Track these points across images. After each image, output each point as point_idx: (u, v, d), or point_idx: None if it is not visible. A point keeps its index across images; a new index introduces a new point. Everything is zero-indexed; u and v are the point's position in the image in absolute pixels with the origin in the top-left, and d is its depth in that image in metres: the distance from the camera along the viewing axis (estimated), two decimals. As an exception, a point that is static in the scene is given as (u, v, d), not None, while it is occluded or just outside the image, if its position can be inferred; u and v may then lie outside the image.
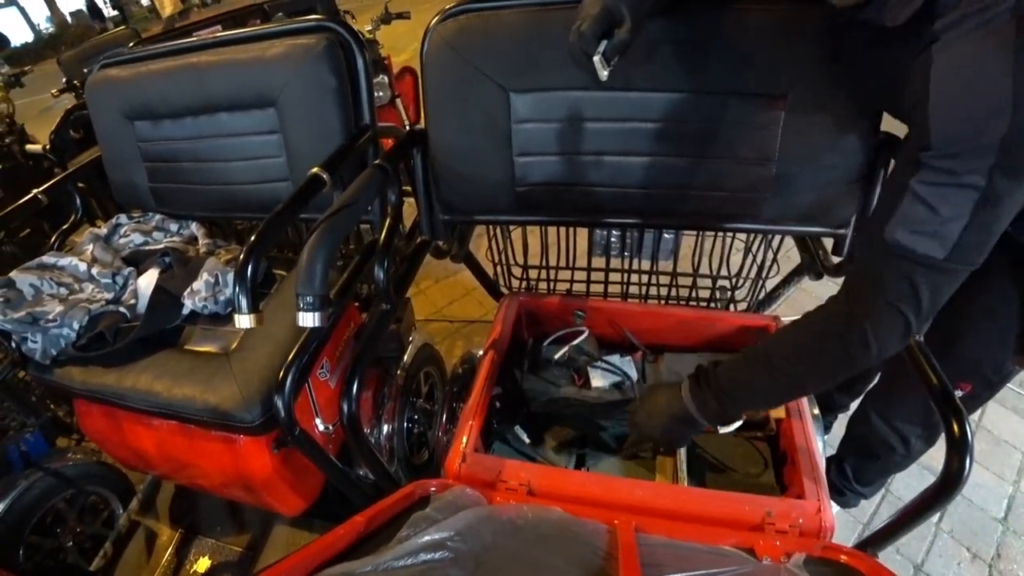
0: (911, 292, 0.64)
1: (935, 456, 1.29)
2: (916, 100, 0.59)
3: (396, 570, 0.48)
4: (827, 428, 1.68)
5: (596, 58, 0.70)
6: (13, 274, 1.17)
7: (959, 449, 0.70)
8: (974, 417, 1.72)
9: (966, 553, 1.45)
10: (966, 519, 1.52)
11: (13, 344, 1.13)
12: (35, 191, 1.33)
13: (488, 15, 0.98)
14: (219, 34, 1.24)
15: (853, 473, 1.41)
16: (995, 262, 0.80)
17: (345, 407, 0.85)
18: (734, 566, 0.68)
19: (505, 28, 0.97)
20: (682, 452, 0.96)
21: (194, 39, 1.30)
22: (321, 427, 1.15)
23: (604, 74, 0.71)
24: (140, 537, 1.40)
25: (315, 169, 0.95)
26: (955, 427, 0.71)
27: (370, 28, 2.57)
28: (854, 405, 1.54)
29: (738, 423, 0.87)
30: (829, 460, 1.46)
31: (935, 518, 1.53)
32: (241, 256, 0.77)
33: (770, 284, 1.31)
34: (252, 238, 0.80)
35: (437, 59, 1.00)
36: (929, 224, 0.60)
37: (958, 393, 1.00)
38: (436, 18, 1.01)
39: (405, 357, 1.44)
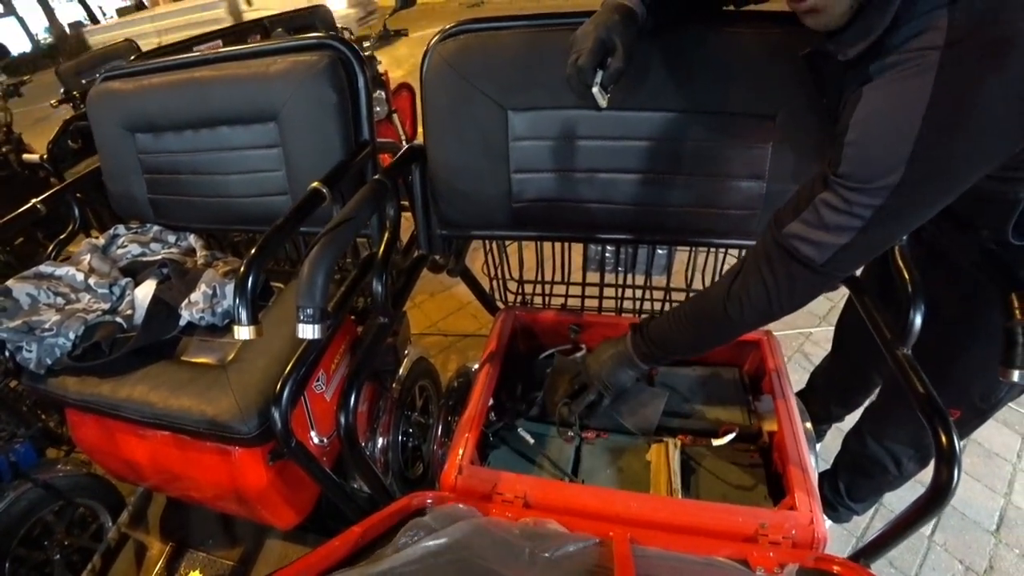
0: (787, 284, 0.75)
1: (928, 470, 1.30)
2: (841, 129, 0.66)
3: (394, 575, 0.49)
4: (820, 436, 1.69)
5: (595, 89, 0.74)
6: (10, 283, 1.17)
7: (947, 460, 0.71)
8: (964, 430, 1.75)
9: (959, 566, 1.46)
10: (959, 531, 1.52)
11: (7, 353, 1.13)
12: (34, 201, 1.33)
13: (487, 35, 1.01)
14: (222, 49, 1.26)
15: (846, 489, 1.42)
16: (989, 292, 0.83)
17: (342, 419, 0.86)
18: (728, 577, 0.69)
19: (503, 48, 1.00)
20: (676, 464, 0.97)
21: (197, 54, 1.32)
22: (316, 440, 1.15)
23: (603, 102, 0.75)
24: (130, 550, 1.38)
25: (315, 184, 0.97)
26: (943, 438, 0.72)
27: (368, 44, 2.61)
28: (850, 417, 1.55)
29: (729, 437, 0.93)
30: (822, 475, 1.47)
31: (928, 531, 1.54)
32: (241, 268, 0.78)
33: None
34: (253, 251, 0.81)
35: (437, 77, 1.02)
36: (817, 234, 0.69)
37: None
38: (436, 37, 1.04)
39: (400, 370, 1.44)
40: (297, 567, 0.54)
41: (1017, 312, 0.71)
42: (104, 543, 1.42)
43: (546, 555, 0.62)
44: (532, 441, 1.07)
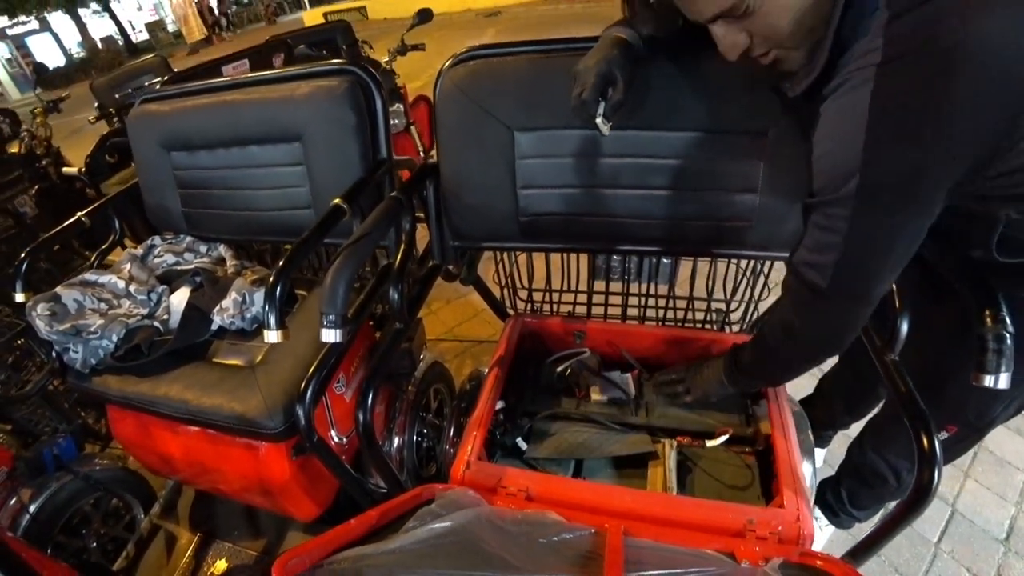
0: (805, 314, 0.79)
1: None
2: (811, 150, 0.70)
3: (403, 554, 0.55)
4: (825, 442, 1.72)
5: (599, 120, 0.81)
6: (59, 289, 1.27)
7: (929, 462, 0.74)
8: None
9: (966, 574, 1.45)
10: (967, 539, 1.52)
11: (54, 354, 1.23)
12: (79, 214, 1.44)
13: (495, 61, 1.08)
14: (251, 75, 1.36)
15: (848, 497, 1.44)
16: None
17: (361, 416, 0.93)
18: (713, 567, 0.74)
19: (510, 72, 1.07)
20: (672, 462, 1.02)
21: (228, 79, 1.42)
22: (336, 438, 1.22)
23: (606, 131, 0.82)
24: (161, 539, 1.47)
25: (337, 200, 1.05)
26: (924, 440, 0.76)
27: (387, 59, 2.71)
28: (856, 425, 1.57)
29: (723, 438, 1.02)
30: (826, 481, 1.50)
31: (935, 538, 1.55)
32: (271, 278, 0.86)
33: (763, 307, 1.37)
34: (281, 262, 0.89)
35: (449, 100, 1.09)
36: (813, 256, 0.73)
37: (944, 435, 1.05)
38: (448, 62, 1.11)
39: (416, 373, 1.51)
40: (316, 543, 0.61)
41: (988, 319, 0.74)
42: (137, 533, 1.52)
43: (543, 540, 0.69)
44: (525, 448, 1.12)
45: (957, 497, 1.62)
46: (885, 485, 1.28)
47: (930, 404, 0.80)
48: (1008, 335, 0.72)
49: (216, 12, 17.03)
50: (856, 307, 0.76)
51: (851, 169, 0.63)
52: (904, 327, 0.87)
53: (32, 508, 1.38)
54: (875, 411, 1.39)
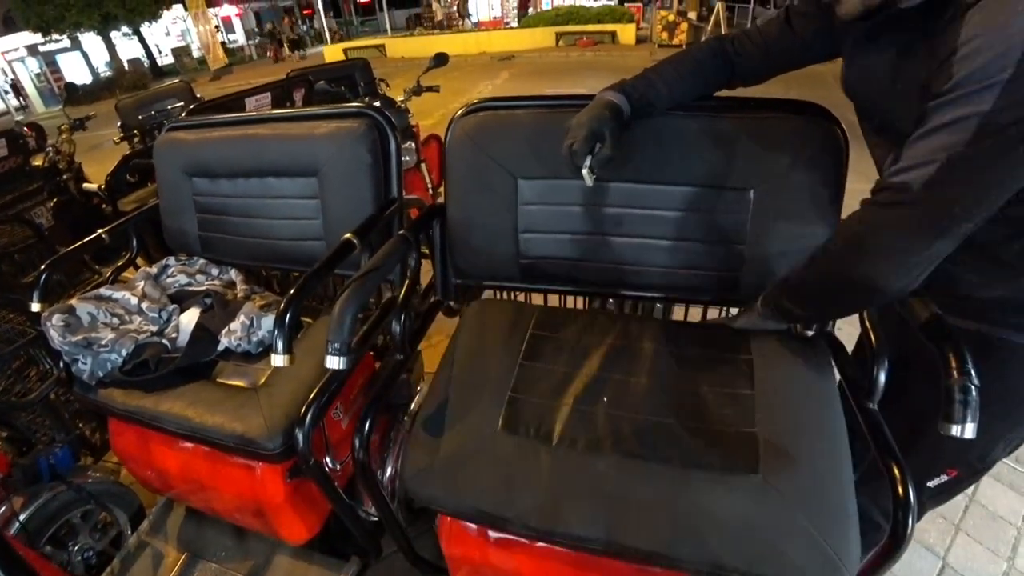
0: (871, 221, 0.77)
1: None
2: (944, 56, 0.66)
3: None
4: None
5: (584, 171, 0.89)
6: (73, 301, 1.32)
7: (903, 510, 0.77)
8: (968, 491, 1.75)
9: (957, 628, 1.45)
10: (958, 594, 1.52)
11: (62, 364, 1.27)
12: (100, 231, 1.50)
13: (503, 113, 1.17)
14: (275, 112, 1.45)
15: None
16: (977, 359, 0.89)
17: (357, 442, 0.96)
18: None
19: (517, 124, 1.16)
20: None
21: (253, 113, 1.52)
22: (330, 464, 1.25)
23: (590, 182, 0.90)
24: (148, 556, 1.47)
25: (348, 235, 1.12)
26: (899, 489, 0.79)
27: (402, 98, 2.83)
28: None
29: None
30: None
31: (926, 592, 1.54)
32: (283, 304, 0.92)
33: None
34: (293, 291, 0.95)
35: (458, 147, 1.18)
36: (913, 160, 0.70)
37: (944, 478, 1.08)
38: (460, 112, 1.20)
39: (412, 405, 1.55)
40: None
41: (954, 371, 0.76)
42: (124, 548, 1.52)
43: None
44: None
45: (948, 550, 1.62)
46: (878, 532, 1.29)
47: (934, 447, 0.80)
48: (973, 387, 0.75)
49: (292, 34, 19.37)
50: (936, 227, 0.70)
51: (1006, 60, 0.59)
52: (882, 376, 0.91)
53: (22, 516, 1.40)
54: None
